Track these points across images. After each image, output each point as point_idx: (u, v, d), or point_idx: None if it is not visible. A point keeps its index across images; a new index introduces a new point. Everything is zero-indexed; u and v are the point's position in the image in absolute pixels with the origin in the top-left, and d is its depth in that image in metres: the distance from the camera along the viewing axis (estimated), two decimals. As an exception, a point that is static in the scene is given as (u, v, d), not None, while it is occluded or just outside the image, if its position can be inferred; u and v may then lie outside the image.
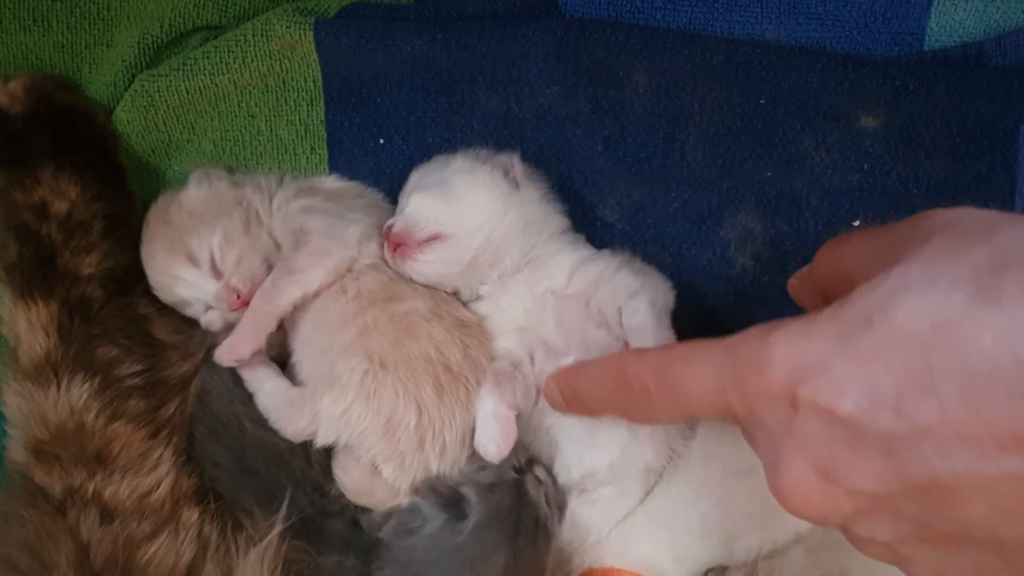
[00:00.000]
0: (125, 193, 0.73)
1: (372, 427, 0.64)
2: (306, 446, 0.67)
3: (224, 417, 0.68)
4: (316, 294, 0.68)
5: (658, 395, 0.47)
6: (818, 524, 0.50)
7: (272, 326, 0.68)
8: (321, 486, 0.67)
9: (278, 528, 0.63)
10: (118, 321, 0.67)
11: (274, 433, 0.67)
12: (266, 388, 0.68)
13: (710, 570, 0.70)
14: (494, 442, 0.65)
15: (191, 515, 0.65)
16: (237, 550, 0.64)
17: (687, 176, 0.73)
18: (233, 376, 0.69)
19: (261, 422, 0.67)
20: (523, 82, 0.73)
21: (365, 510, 0.67)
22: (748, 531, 0.68)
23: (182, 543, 0.63)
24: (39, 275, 0.66)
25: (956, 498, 0.33)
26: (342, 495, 0.66)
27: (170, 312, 0.71)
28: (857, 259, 0.42)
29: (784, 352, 0.36)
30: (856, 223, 0.72)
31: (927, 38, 0.72)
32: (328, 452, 0.68)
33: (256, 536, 0.64)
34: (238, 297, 0.68)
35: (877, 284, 0.36)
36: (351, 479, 0.66)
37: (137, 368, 0.66)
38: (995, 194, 0.71)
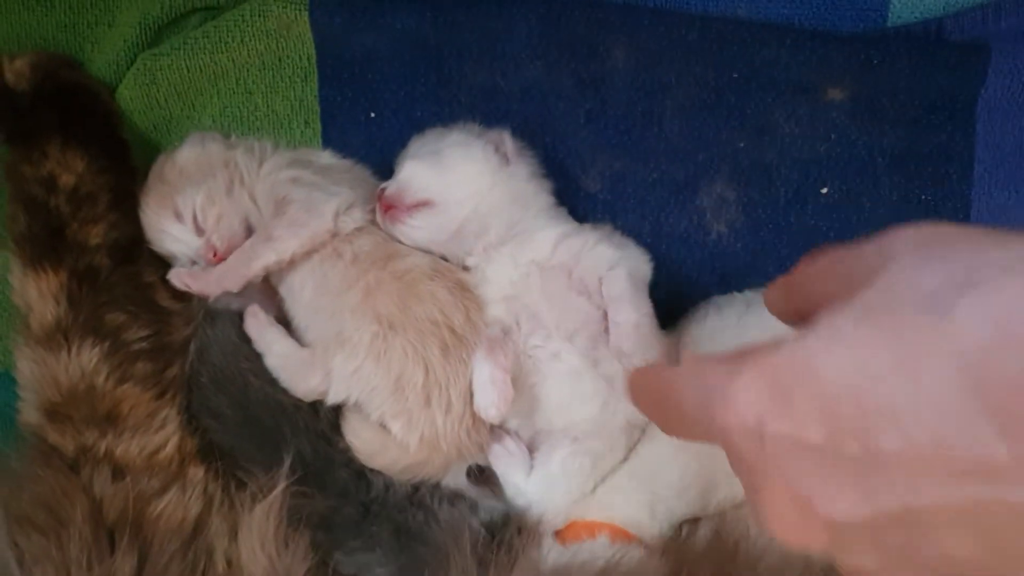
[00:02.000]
0: (129, 167, 0.76)
1: (382, 385, 0.68)
2: (313, 403, 0.71)
3: (228, 371, 0.71)
4: (291, 261, 0.72)
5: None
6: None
7: (239, 285, 0.71)
8: (328, 437, 0.70)
9: (282, 484, 0.66)
10: (125, 289, 0.70)
11: (279, 388, 0.70)
12: (276, 349, 0.71)
13: (684, 522, 0.74)
14: (494, 405, 0.69)
15: (197, 472, 0.68)
16: (242, 505, 0.67)
17: (665, 147, 0.77)
18: (238, 332, 0.72)
19: (265, 377, 0.71)
20: (508, 57, 0.77)
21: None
22: (723, 485, 0.72)
23: (190, 498, 0.66)
24: (48, 245, 0.69)
25: (933, 529, 0.32)
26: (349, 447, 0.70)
27: None
28: (824, 283, 0.40)
29: (748, 384, 0.35)
30: (824, 191, 0.76)
31: (890, 15, 0.76)
32: (336, 410, 0.71)
33: (260, 492, 0.67)
34: (215, 254, 0.72)
35: (815, 328, 0.34)
36: (363, 441, 0.69)
37: (144, 333, 0.70)
38: (955, 163, 0.75)
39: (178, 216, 0.73)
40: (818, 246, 0.74)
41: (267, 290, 0.76)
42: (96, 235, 0.70)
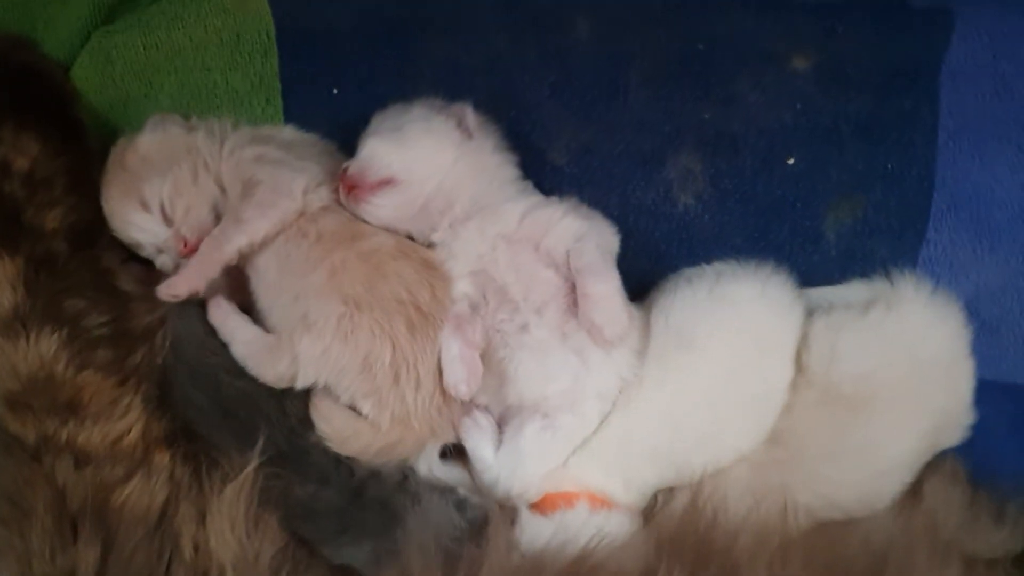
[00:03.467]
0: (86, 149, 0.74)
1: (350, 365, 0.68)
2: (280, 397, 0.70)
3: (199, 367, 0.70)
4: (263, 242, 0.71)
5: None
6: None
7: (215, 272, 0.70)
8: (297, 429, 0.69)
9: (253, 463, 0.65)
10: (84, 274, 0.69)
11: (250, 380, 0.69)
12: (240, 337, 0.70)
13: (659, 492, 0.74)
14: (463, 381, 0.69)
15: (162, 458, 0.67)
16: (212, 488, 0.66)
17: (630, 119, 0.76)
18: (205, 327, 0.71)
19: (235, 371, 0.70)
20: (471, 30, 0.76)
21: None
22: (695, 454, 0.72)
23: (155, 485, 0.65)
24: (4, 232, 0.68)
25: None
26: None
27: (133, 264, 0.73)
28: None
29: None
30: (791, 161, 0.76)
31: (854, -19, 0.76)
32: (304, 402, 0.70)
33: (232, 472, 0.66)
34: (185, 245, 0.71)
35: None
36: (334, 427, 0.69)
37: (103, 319, 0.68)
38: (919, 130, 0.75)
39: (144, 206, 0.71)
40: (786, 216, 0.75)
41: (231, 273, 0.75)
42: (53, 219, 0.69)
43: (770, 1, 0.75)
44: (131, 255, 0.74)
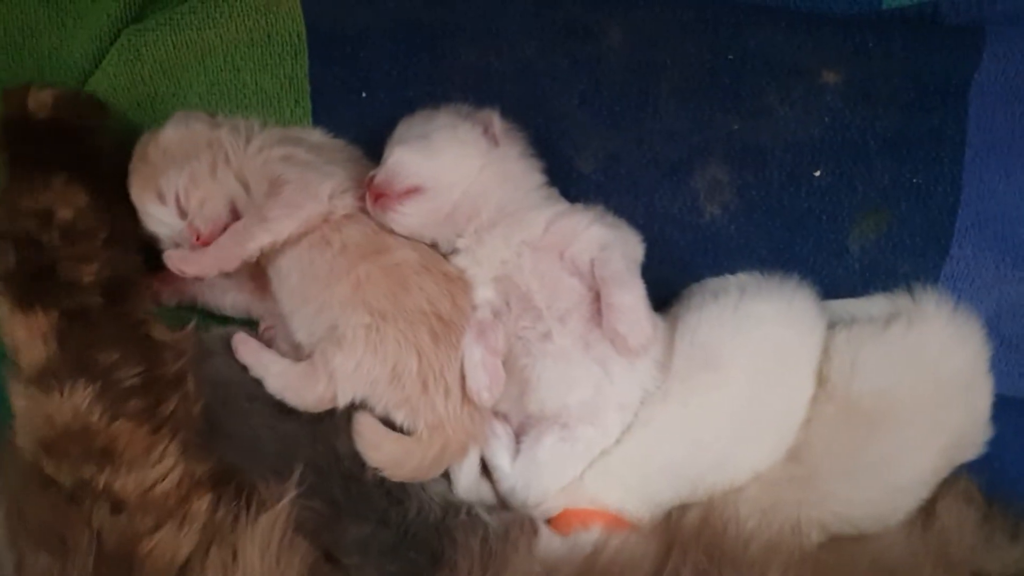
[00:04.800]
0: (131, 207, 0.73)
1: (380, 376, 0.68)
2: (330, 439, 0.70)
3: (238, 423, 0.71)
4: (286, 243, 0.71)
5: None
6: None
7: (232, 265, 0.71)
8: (356, 471, 0.70)
9: (291, 494, 0.66)
10: (116, 327, 0.69)
11: (295, 425, 0.70)
12: (273, 370, 0.71)
13: (674, 507, 0.74)
14: (485, 388, 0.69)
15: (201, 504, 0.66)
16: (248, 518, 0.66)
17: (659, 129, 0.76)
18: (230, 371, 0.72)
19: (274, 421, 0.70)
20: (502, 37, 0.76)
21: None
22: (714, 471, 0.72)
23: (184, 536, 0.65)
24: (38, 284, 0.67)
25: None
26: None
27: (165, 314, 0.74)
28: None
29: None
30: (817, 173, 0.76)
31: (885, -3, 0.76)
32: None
33: (268, 501, 0.66)
34: (198, 238, 0.71)
35: None
36: (385, 453, 0.69)
37: (136, 370, 0.68)
38: (947, 146, 0.75)
39: (161, 198, 0.72)
40: (811, 229, 0.76)
41: (254, 274, 0.75)
42: (89, 273, 0.68)
43: (801, 15, 0.75)
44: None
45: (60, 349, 0.66)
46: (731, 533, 0.68)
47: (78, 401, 0.65)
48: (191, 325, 0.72)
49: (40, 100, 0.71)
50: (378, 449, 0.69)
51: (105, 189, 0.71)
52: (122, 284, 0.70)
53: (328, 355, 0.69)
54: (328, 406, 0.70)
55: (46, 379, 0.65)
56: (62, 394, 0.65)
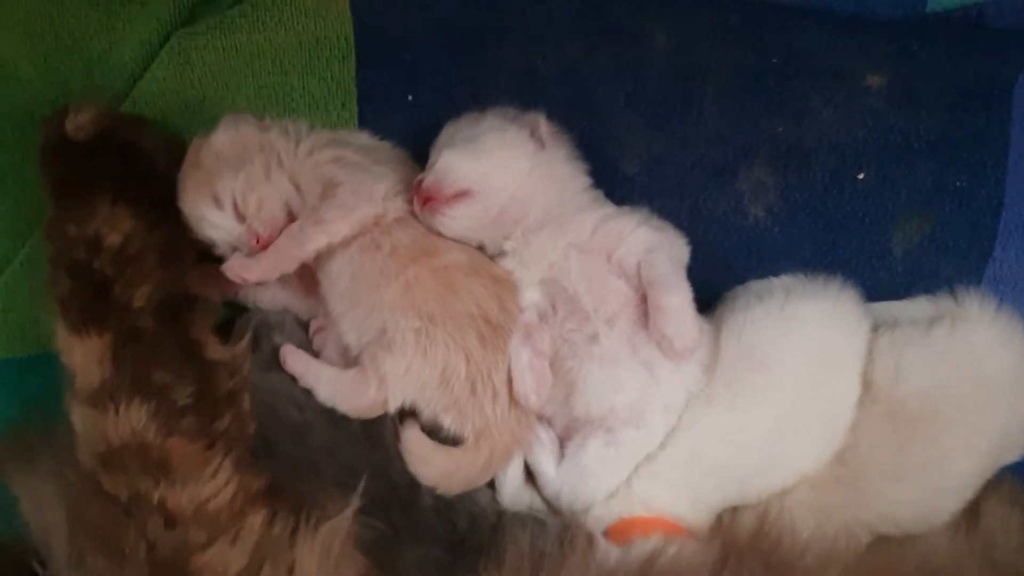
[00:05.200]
0: (181, 223, 0.74)
1: (430, 379, 0.69)
2: (384, 468, 0.70)
3: (299, 455, 0.71)
4: (339, 244, 0.72)
5: None
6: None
7: (292, 267, 0.71)
8: (410, 495, 0.70)
9: (354, 504, 0.66)
10: (170, 348, 0.69)
11: (350, 450, 0.70)
12: (324, 378, 0.71)
13: (725, 510, 0.75)
14: (533, 391, 0.70)
15: (256, 519, 0.66)
16: (307, 529, 0.66)
17: (703, 131, 0.77)
18: (290, 383, 0.73)
19: (333, 447, 0.71)
20: (548, 40, 0.77)
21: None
22: (761, 473, 0.73)
23: (236, 551, 0.65)
24: (92, 308, 0.67)
25: None
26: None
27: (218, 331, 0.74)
28: None
29: None
30: (861, 176, 0.77)
31: (930, 0, 0.76)
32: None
33: (332, 510, 0.66)
34: (257, 241, 0.72)
35: None
36: (436, 468, 0.70)
37: (189, 389, 0.68)
38: (990, 149, 0.76)
39: (217, 202, 0.72)
40: (854, 231, 0.76)
41: (303, 276, 0.76)
42: (141, 297, 0.68)
43: (846, 19, 0.76)
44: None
45: (115, 370, 0.66)
46: (787, 542, 0.68)
47: (134, 420, 0.66)
48: (245, 341, 0.72)
49: (78, 123, 0.71)
50: (428, 464, 0.70)
51: (155, 205, 0.71)
52: (176, 303, 0.70)
53: (378, 360, 0.69)
54: (379, 411, 0.70)
55: (102, 399, 0.66)
56: (118, 413, 0.65)
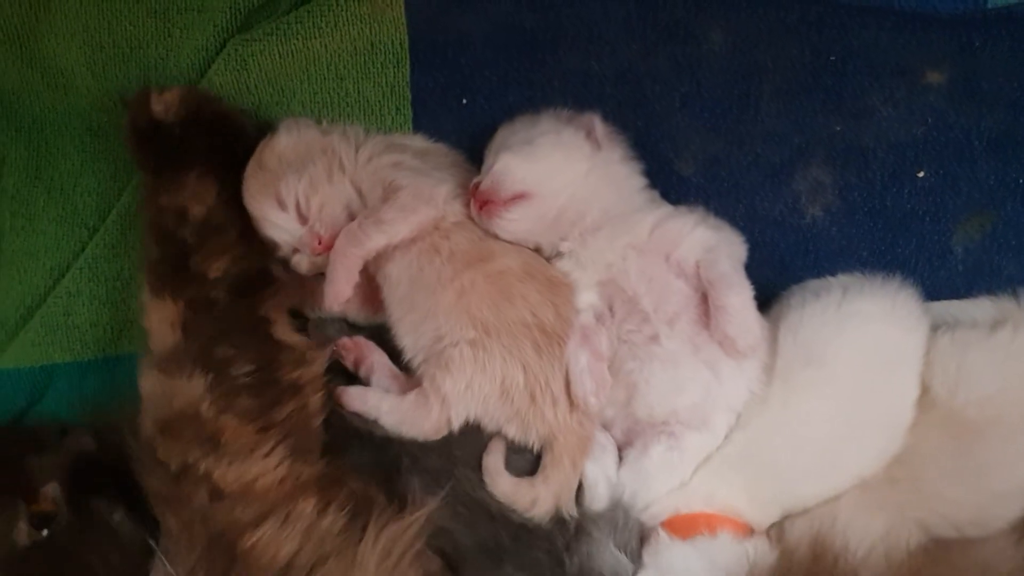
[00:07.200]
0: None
1: (491, 392, 0.69)
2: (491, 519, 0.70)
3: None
4: (395, 249, 0.72)
5: None
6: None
7: (358, 267, 0.71)
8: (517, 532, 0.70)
9: (432, 505, 0.67)
10: (237, 323, 0.70)
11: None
12: (384, 407, 0.71)
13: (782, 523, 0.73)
14: (592, 393, 0.70)
15: (306, 506, 0.67)
16: (376, 524, 0.67)
17: (760, 130, 0.77)
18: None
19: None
20: (603, 40, 0.76)
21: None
22: (817, 473, 0.72)
23: (286, 536, 0.66)
24: (172, 275, 0.70)
25: None
26: None
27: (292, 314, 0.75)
28: None
29: None
30: (920, 174, 0.76)
31: (991, -4, 0.75)
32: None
33: (411, 509, 0.68)
34: (320, 242, 0.72)
35: None
36: (527, 500, 0.69)
37: (249, 368, 0.69)
38: (1053, 145, 0.75)
39: (281, 204, 0.73)
40: (914, 230, 0.75)
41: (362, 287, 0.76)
42: (217, 269, 0.70)
43: (905, 15, 0.74)
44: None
45: (185, 338, 0.69)
46: (843, 559, 0.67)
47: (195, 388, 0.68)
48: (329, 348, 0.73)
49: (166, 101, 0.73)
50: (523, 498, 0.70)
51: (236, 179, 0.74)
52: (251, 279, 0.72)
53: (437, 380, 0.69)
54: (445, 431, 0.70)
55: (171, 364, 0.68)
56: (182, 380, 0.67)
